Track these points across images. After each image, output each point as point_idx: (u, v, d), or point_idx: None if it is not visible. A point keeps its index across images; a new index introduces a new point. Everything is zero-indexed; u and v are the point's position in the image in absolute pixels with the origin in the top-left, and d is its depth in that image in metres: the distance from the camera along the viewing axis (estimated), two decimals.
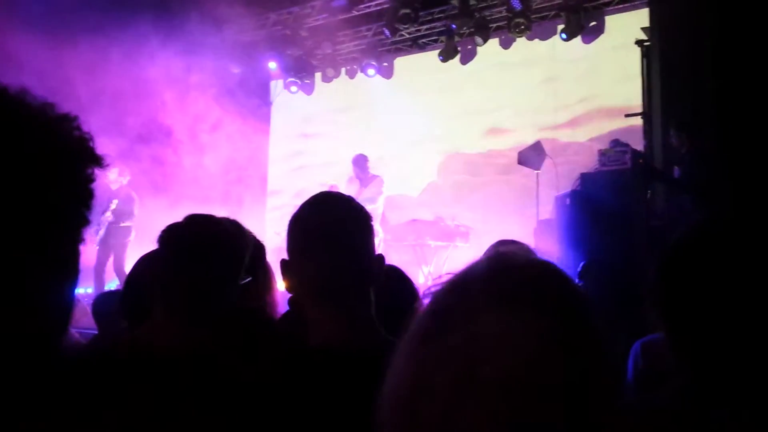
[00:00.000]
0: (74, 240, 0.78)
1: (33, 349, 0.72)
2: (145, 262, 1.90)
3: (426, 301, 0.68)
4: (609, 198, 5.29)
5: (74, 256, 0.78)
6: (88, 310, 3.59)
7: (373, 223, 1.34)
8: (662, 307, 1.18)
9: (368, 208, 5.60)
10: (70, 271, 0.77)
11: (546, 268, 0.66)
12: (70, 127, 0.77)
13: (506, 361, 0.58)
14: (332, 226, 1.26)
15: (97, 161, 0.79)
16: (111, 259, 7.16)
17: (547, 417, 0.58)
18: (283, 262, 1.31)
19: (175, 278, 1.54)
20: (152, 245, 2.79)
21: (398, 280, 2.49)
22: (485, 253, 2.29)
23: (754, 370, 1.08)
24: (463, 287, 0.65)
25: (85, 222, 0.78)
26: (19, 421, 0.68)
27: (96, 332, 3.22)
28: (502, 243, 2.61)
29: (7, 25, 6.30)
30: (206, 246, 1.58)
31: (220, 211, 1.79)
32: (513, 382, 0.57)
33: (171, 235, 1.60)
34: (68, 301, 0.77)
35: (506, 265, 0.65)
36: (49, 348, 0.75)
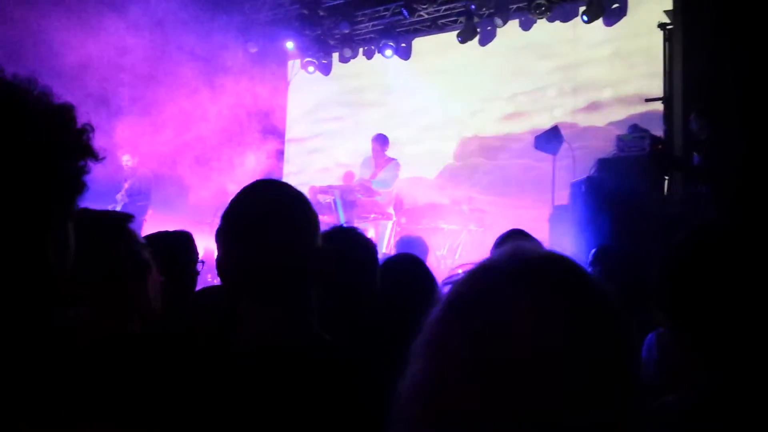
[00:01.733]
0: (57, 228, 0.78)
1: (25, 321, 0.74)
2: None
3: (445, 289, 0.70)
4: (625, 184, 5.23)
5: (60, 244, 0.79)
6: None
7: (305, 213, 1.25)
8: (667, 306, 1.22)
9: (382, 191, 5.57)
10: (54, 257, 0.78)
11: (562, 258, 0.70)
12: (67, 118, 0.78)
13: (535, 337, 0.61)
14: (256, 220, 1.19)
15: (92, 154, 0.80)
16: None
17: (576, 390, 0.61)
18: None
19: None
20: (171, 224, 2.85)
21: (415, 267, 2.49)
22: (495, 244, 2.27)
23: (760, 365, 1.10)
24: (483, 275, 0.68)
25: (71, 212, 0.80)
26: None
27: None
28: (514, 233, 2.59)
29: None
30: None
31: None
32: (543, 356, 0.61)
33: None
34: (49, 282, 0.78)
35: (525, 254, 0.69)
36: (39, 322, 0.77)
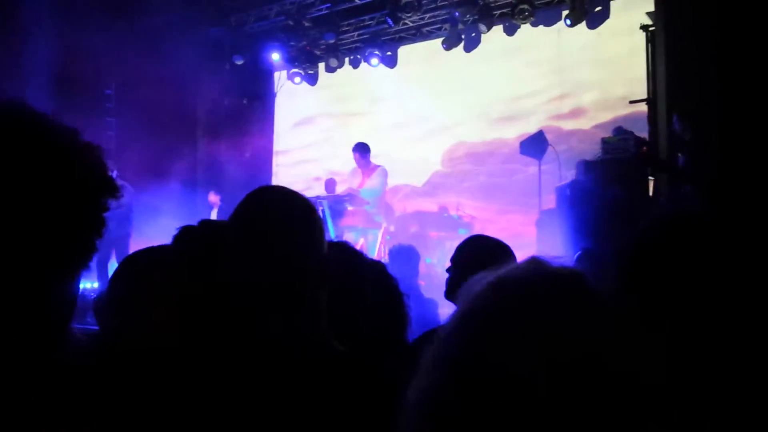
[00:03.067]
0: (80, 262, 0.82)
1: (38, 344, 0.76)
2: (130, 264, 1.82)
3: (462, 304, 0.69)
4: (610, 187, 5.23)
5: (77, 273, 0.83)
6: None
7: (315, 219, 1.26)
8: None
9: (371, 199, 5.54)
10: (72, 287, 0.82)
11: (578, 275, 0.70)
12: (93, 157, 0.81)
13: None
14: (267, 229, 1.19)
15: (113, 192, 0.83)
16: (113, 253, 7.18)
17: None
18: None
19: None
20: (155, 235, 2.81)
21: (382, 277, 2.46)
22: (457, 248, 2.22)
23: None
24: (499, 289, 0.67)
25: (93, 249, 0.83)
26: (20, 413, 0.70)
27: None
28: (474, 238, 2.55)
29: None
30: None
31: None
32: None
33: (185, 237, 1.59)
34: (69, 307, 0.82)
35: (542, 269, 0.69)
36: (53, 343, 0.79)
